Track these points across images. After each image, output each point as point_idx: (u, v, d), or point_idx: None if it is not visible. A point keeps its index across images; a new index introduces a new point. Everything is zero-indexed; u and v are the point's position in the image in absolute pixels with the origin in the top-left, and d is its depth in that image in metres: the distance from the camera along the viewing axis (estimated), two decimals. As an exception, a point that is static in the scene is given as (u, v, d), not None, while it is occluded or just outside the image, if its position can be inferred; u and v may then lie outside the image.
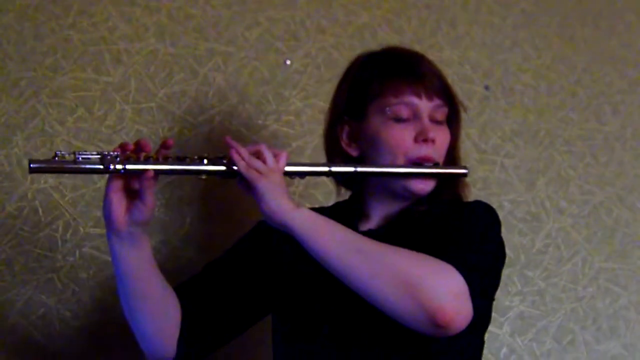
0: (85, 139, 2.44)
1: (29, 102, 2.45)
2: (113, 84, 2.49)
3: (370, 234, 1.95)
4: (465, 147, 2.62)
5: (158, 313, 1.96)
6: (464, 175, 2.04)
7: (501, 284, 2.57)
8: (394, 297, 1.79)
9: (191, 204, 2.49)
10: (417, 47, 2.59)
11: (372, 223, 2.02)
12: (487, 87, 2.67)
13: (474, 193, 2.60)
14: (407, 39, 2.61)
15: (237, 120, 2.54)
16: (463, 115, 2.50)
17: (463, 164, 2.06)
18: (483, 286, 1.86)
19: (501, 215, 2.59)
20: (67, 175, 2.43)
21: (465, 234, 1.89)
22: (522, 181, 2.66)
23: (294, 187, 2.53)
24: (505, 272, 2.58)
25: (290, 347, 1.98)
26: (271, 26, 2.58)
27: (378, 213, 2.03)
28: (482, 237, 1.91)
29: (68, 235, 2.43)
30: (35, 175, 2.42)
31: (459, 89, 2.63)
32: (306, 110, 2.54)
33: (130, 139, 2.36)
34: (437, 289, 1.78)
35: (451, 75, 2.62)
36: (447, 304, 1.78)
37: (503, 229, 2.59)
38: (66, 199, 2.44)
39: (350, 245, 1.83)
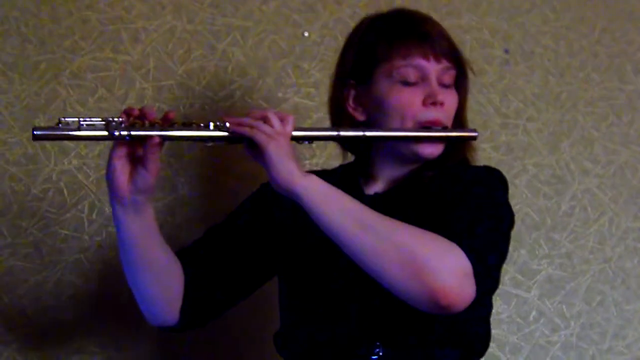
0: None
1: (49, 84, 2.46)
2: (132, 63, 2.50)
3: (376, 198, 1.95)
4: (487, 112, 2.62)
5: (161, 280, 1.95)
6: (474, 138, 2.01)
7: (528, 247, 2.60)
8: (397, 276, 1.77)
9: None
10: (435, 14, 2.56)
11: (378, 186, 2.01)
12: (506, 51, 2.65)
13: (497, 158, 2.61)
14: (424, 6, 2.60)
15: (258, 94, 2.54)
16: (483, 79, 2.49)
17: (473, 127, 2.04)
18: (489, 262, 1.83)
19: (525, 179, 2.62)
20: (90, 155, 2.45)
21: (471, 206, 1.86)
22: (546, 144, 2.65)
23: (316, 159, 2.53)
24: (532, 235, 2.60)
25: (295, 307, 1.98)
26: (288, -1, 2.58)
27: (385, 175, 2.01)
28: (488, 207, 1.88)
29: (94, 215, 2.44)
30: (59, 157, 2.44)
31: (479, 54, 2.63)
32: (325, 82, 2.51)
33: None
34: (441, 269, 1.76)
35: (470, 41, 2.63)
36: (450, 285, 1.76)
37: (528, 193, 2.61)
38: (90, 179, 2.45)
39: (357, 219, 1.80)
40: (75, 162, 2.45)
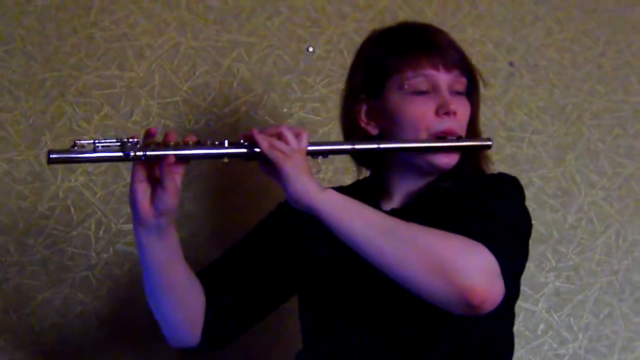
0: (112, 136, 2.45)
1: (55, 102, 2.46)
2: (137, 80, 2.50)
3: (394, 213, 1.93)
4: (492, 125, 2.62)
5: (184, 303, 1.94)
6: (488, 147, 2.01)
7: (535, 260, 2.59)
8: (426, 279, 1.76)
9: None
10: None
11: (395, 202, 2.00)
12: (511, 64, 2.66)
13: (503, 170, 2.60)
14: (428, 20, 2.59)
15: (263, 109, 2.54)
16: (488, 92, 2.48)
17: (487, 138, 2.04)
18: (513, 262, 1.84)
19: (531, 192, 2.61)
20: (96, 172, 2.45)
21: (492, 210, 1.86)
22: (551, 157, 2.65)
23: (322, 174, 2.53)
24: (538, 248, 2.60)
25: (316, 326, 1.97)
26: (292, 14, 2.58)
27: (401, 190, 2.01)
28: (509, 211, 1.88)
29: (101, 233, 2.44)
30: (65, 175, 2.44)
31: (483, 68, 2.61)
32: (331, 96, 2.54)
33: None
34: (470, 269, 1.75)
35: (475, 54, 2.61)
36: (479, 284, 1.75)
37: (534, 206, 2.61)
38: (97, 196, 2.45)
39: (379, 227, 1.79)
40: (81, 179, 2.46)
